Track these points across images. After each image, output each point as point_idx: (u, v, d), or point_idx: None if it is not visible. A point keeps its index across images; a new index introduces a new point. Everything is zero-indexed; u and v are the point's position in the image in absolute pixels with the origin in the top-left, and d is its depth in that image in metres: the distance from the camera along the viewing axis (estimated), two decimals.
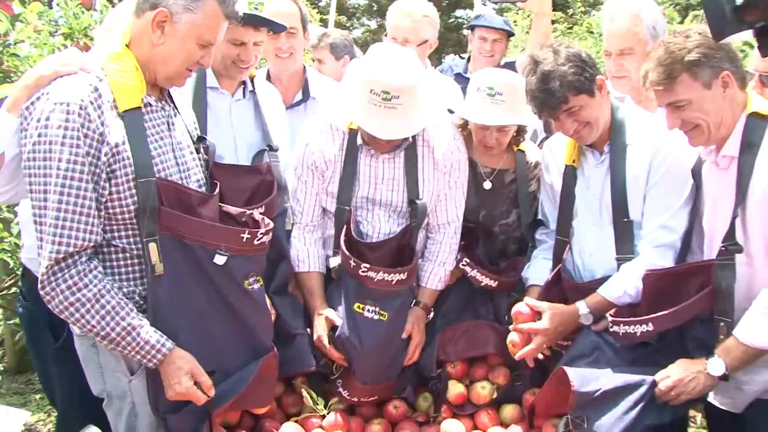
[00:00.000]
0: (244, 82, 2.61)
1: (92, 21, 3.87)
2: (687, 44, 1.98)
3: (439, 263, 2.54)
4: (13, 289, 3.75)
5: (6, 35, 3.32)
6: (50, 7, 4.06)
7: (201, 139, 2.17)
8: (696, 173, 2.25)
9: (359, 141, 2.41)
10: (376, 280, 2.30)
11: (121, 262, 1.89)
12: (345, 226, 2.39)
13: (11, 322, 4.00)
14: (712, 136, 2.04)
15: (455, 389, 2.46)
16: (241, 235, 1.97)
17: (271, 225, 2.09)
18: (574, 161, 2.41)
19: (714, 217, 2.12)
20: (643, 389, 2.00)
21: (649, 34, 2.67)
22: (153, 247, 1.86)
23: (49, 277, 1.76)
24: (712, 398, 2.18)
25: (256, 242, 2.01)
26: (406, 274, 2.34)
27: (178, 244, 1.90)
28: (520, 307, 2.34)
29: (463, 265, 2.54)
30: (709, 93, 2.00)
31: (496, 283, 2.53)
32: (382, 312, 2.32)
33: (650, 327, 2.05)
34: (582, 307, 2.24)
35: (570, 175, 2.41)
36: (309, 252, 2.49)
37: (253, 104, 2.63)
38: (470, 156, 2.67)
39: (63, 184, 1.73)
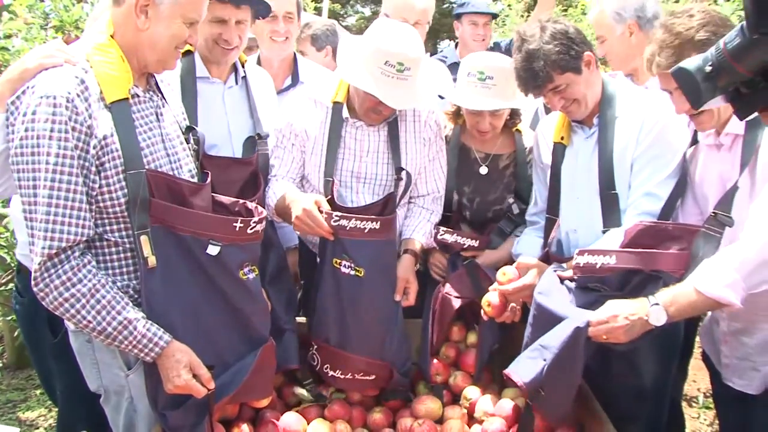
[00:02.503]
0: (235, 69, 2.57)
1: (83, 13, 3.85)
2: (693, 23, 1.90)
3: (423, 219, 2.59)
4: (10, 285, 3.74)
5: None
6: (41, 0, 4.03)
7: (190, 129, 2.14)
8: (688, 158, 2.21)
9: (345, 114, 2.41)
10: (348, 228, 2.25)
11: (114, 256, 1.87)
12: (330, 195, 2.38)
13: (10, 318, 3.99)
14: (720, 119, 1.98)
15: (472, 393, 2.44)
16: (234, 224, 1.95)
17: (264, 213, 2.07)
18: (562, 138, 2.40)
19: None
20: (581, 341, 1.90)
21: (613, 18, 2.81)
22: (145, 240, 1.83)
23: (42, 273, 1.73)
24: (727, 379, 2.14)
25: (249, 231, 1.98)
26: (379, 223, 2.28)
27: (170, 235, 1.88)
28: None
29: (441, 235, 2.59)
30: None
31: (478, 242, 2.61)
32: (357, 268, 2.29)
33: (612, 260, 1.97)
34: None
35: (558, 153, 2.41)
36: (284, 185, 2.45)
37: (246, 91, 2.59)
38: (464, 141, 2.66)
39: (53, 178, 1.70)
